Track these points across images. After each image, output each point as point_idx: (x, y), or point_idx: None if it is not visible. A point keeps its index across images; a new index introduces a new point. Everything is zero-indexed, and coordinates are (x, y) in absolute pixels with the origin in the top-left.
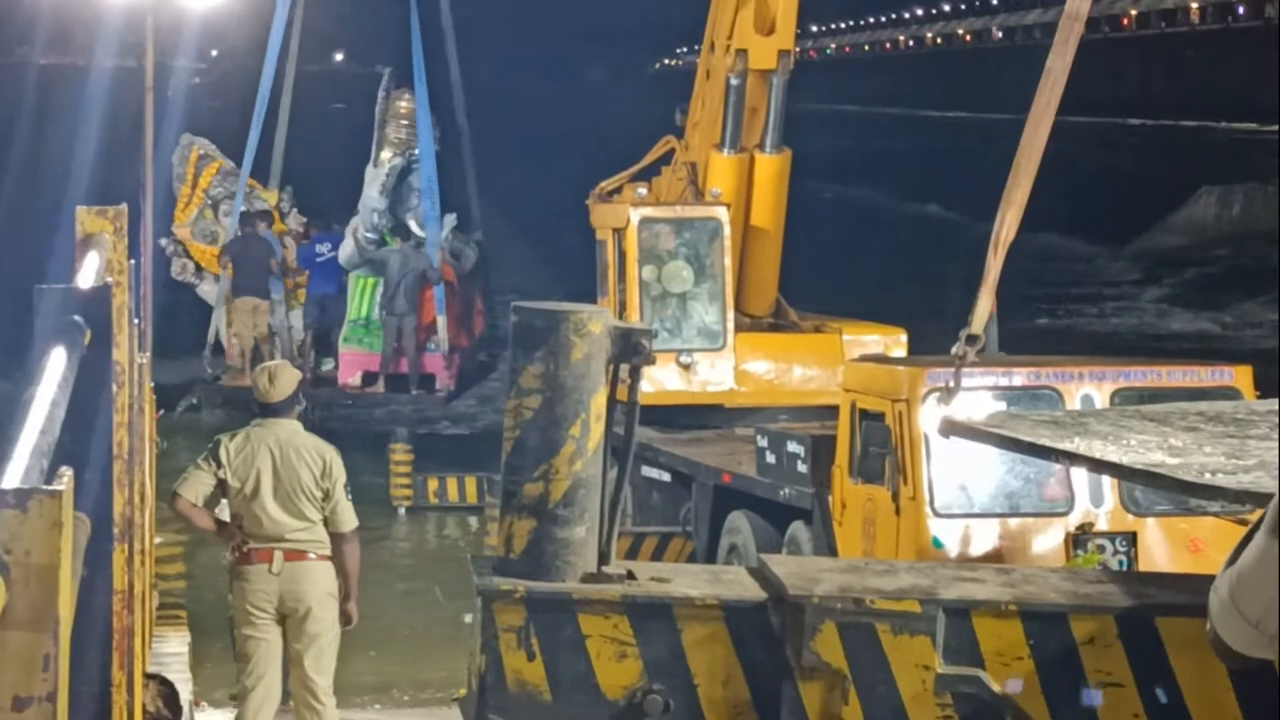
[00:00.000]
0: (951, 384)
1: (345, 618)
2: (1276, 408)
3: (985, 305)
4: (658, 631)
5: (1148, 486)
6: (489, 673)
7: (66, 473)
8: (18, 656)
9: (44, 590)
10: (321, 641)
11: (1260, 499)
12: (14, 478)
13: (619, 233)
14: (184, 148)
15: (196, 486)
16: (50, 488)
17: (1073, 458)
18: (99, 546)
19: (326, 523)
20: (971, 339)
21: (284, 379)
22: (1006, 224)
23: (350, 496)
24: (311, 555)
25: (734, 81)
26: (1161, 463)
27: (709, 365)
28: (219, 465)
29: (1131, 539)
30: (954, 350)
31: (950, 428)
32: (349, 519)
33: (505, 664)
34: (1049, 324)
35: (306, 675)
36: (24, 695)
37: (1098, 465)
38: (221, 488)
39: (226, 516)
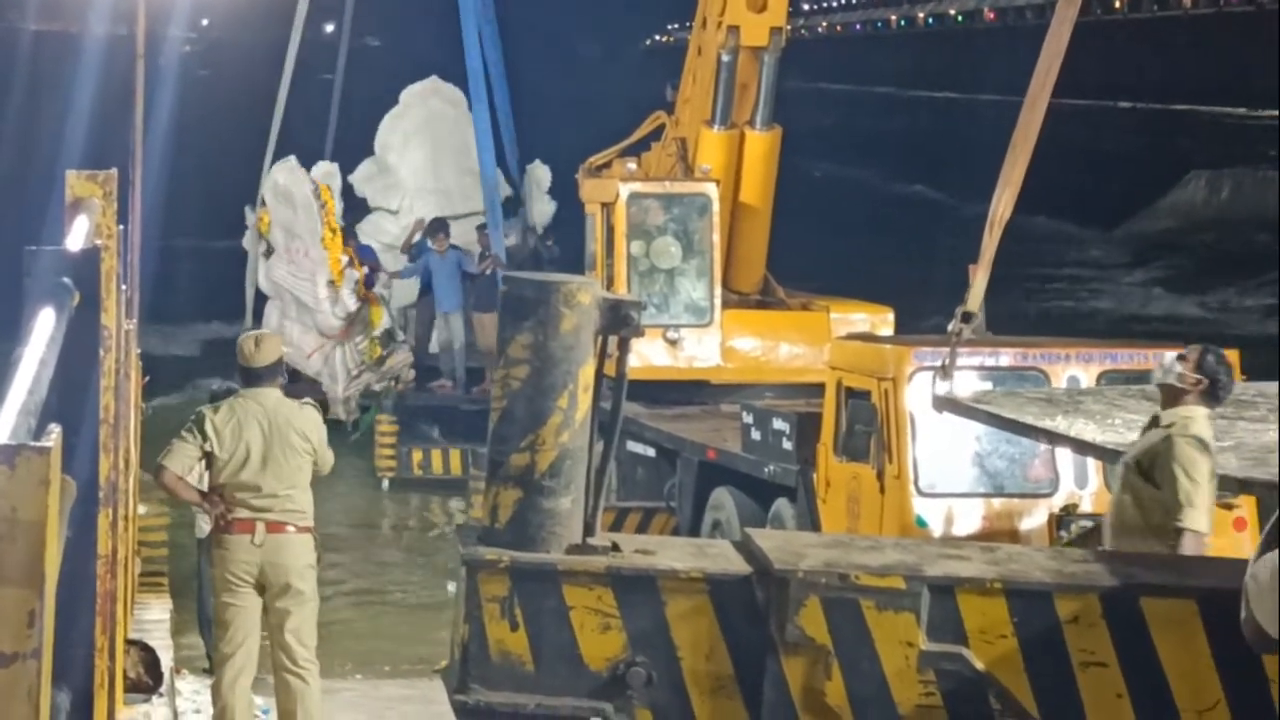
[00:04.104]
0: (947, 361)
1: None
2: None
3: (981, 283)
4: (641, 604)
5: (1114, 465)
6: (472, 643)
7: (55, 430)
8: (4, 612)
9: (30, 546)
10: (301, 612)
11: (1218, 481)
12: (1, 434)
13: (608, 207)
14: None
15: (182, 459)
16: (38, 444)
17: (1048, 435)
18: (84, 510)
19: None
20: (967, 316)
21: (268, 345)
22: (1003, 203)
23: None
24: (291, 528)
25: (725, 58)
26: (1135, 443)
27: (696, 341)
28: (204, 438)
29: None
30: (950, 327)
31: (943, 404)
32: (329, 462)
33: (488, 634)
34: (1036, 305)
35: (287, 644)
36: (9, 651)
37: (1070, 442)
38: (206, 460)
39: (205, 488)
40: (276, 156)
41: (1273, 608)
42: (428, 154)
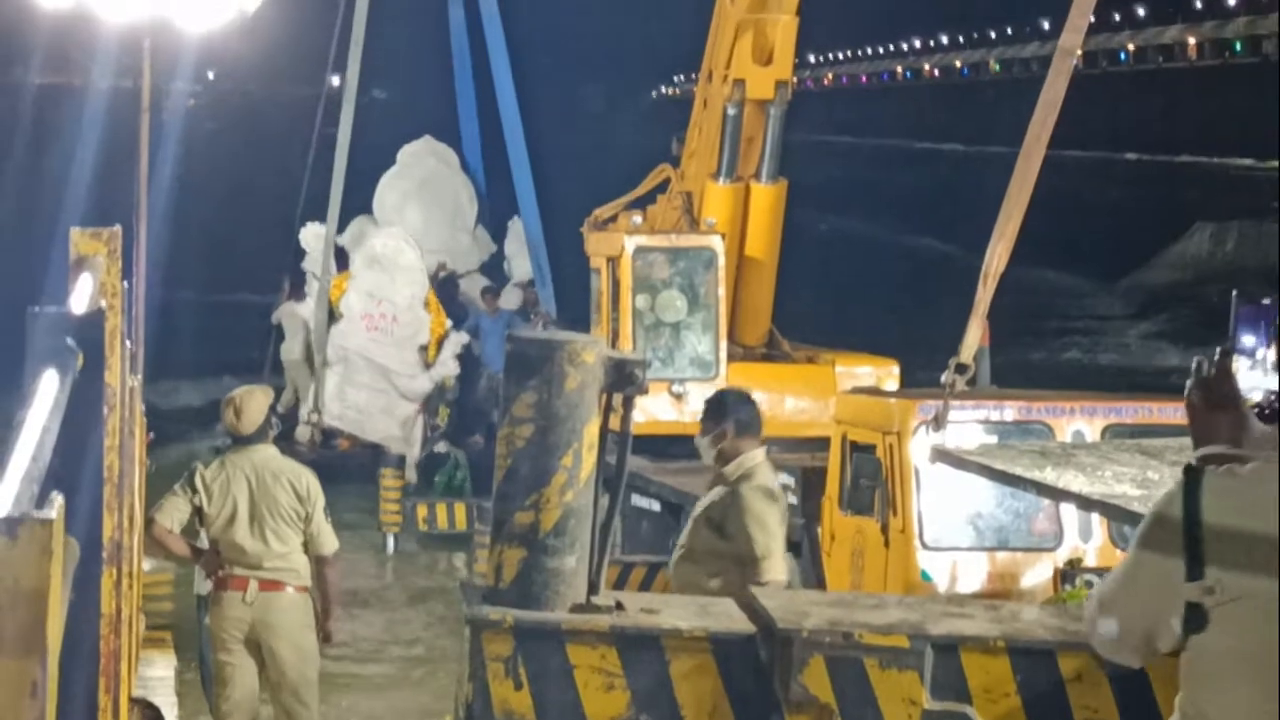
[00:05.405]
0: (940, 412)
1: (325, 636)
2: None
3: (974, 335)
4: (646, 663)
5: (1103, 516)
6: (476, 701)
7: (58, 499)
8: (5, 683)
9: (32, 617)
10: (299, 670)
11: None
12: (4, 503)
13: (613, 261)
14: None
15: (173, 513)
16: (41, 515)
17: (1036, 486)
18: (88, 570)
19: (306, 547)
20: (960, 368)
21: (251, 408)
22: (997, 255)
23: (330, 519)
24: (289, 587)
25: (731, 111)
26: (1124, 494)
27: (701, 395)
28: (195, 492)
29: None
30: (943, 379)
31: (938, 456)
32: (329, 542)
33: (492, 693)
34: (1041, 358)
35: (286, 702)
36: None
37: (1059, 494)
38: (198, 515)
39: (205, 545)
40: (343, 221)
41: (1101, 630)
42: (424, 214)
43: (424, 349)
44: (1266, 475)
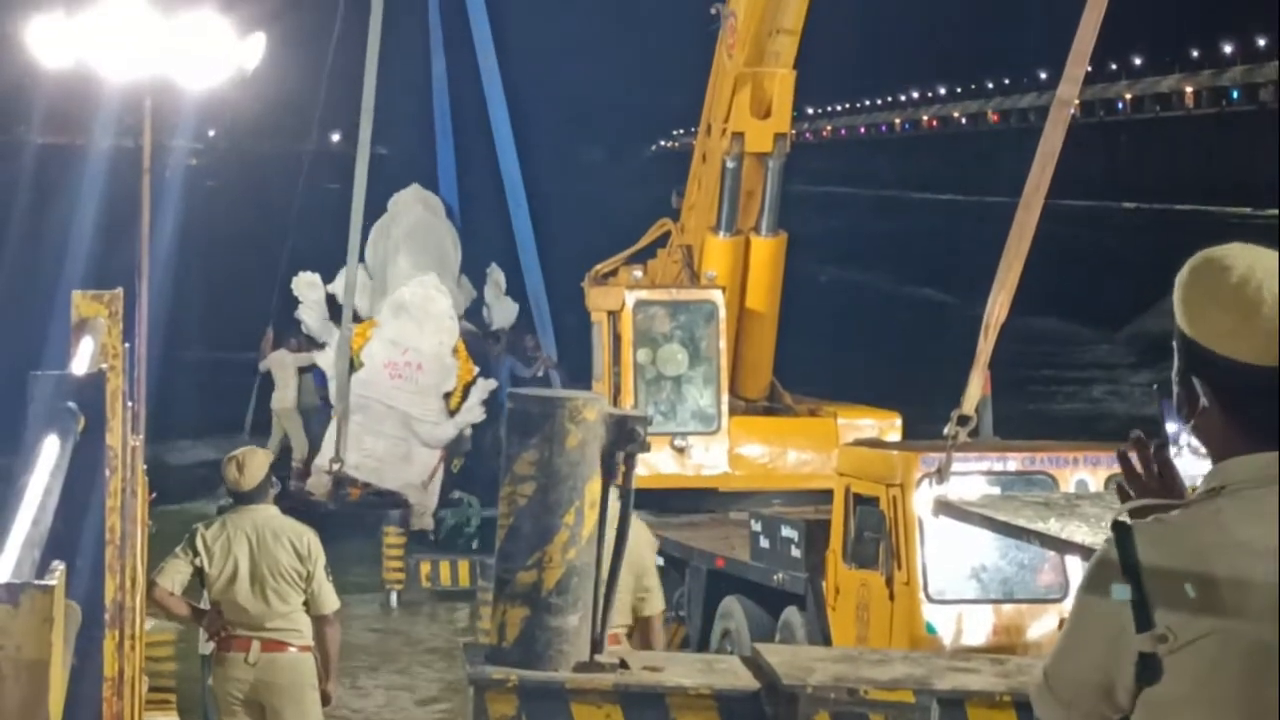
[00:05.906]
0: (942, 464)
1: (324, 697)
2: None
3: (976, 386)
4: None
5: None
6: None
7: (59, 567)
8: None
9: (34, 685)
10: None
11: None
12: (5, 570)
13: (614, 315)
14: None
15: (174, 575)
16: (42, 582)
17: (1039, 537)
18: (89, 634)
19: (308, 606)
20: (963, 419)
21: (253, 466)
22: (998, 305)
23: (330, 578)
24: (291, 647)
25: (730, 164)
26: None
27: (703, 449)
28: (196, 554)
29: None
30: (946, 431)
31: (941, 508)
32: (330, 601)
33: None
34: (1043, 407)
35: None
36: None
37: (1063, 545)
38: (200, 576)
39: (206, 606)
40: (335, 270)
41: (1047, 703)
42: (412, 260)
43: (447, 396)
44: (1196, 519)
